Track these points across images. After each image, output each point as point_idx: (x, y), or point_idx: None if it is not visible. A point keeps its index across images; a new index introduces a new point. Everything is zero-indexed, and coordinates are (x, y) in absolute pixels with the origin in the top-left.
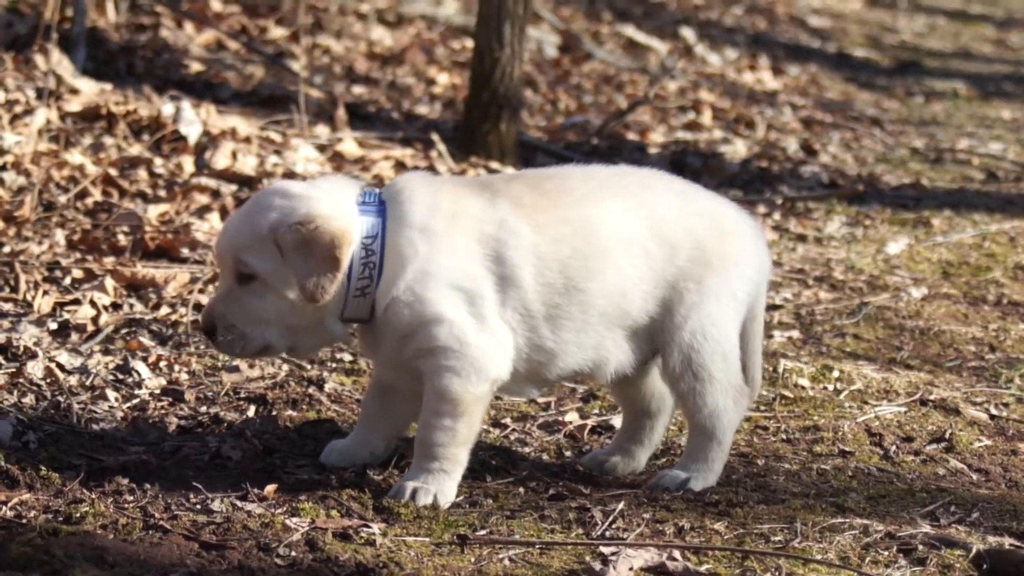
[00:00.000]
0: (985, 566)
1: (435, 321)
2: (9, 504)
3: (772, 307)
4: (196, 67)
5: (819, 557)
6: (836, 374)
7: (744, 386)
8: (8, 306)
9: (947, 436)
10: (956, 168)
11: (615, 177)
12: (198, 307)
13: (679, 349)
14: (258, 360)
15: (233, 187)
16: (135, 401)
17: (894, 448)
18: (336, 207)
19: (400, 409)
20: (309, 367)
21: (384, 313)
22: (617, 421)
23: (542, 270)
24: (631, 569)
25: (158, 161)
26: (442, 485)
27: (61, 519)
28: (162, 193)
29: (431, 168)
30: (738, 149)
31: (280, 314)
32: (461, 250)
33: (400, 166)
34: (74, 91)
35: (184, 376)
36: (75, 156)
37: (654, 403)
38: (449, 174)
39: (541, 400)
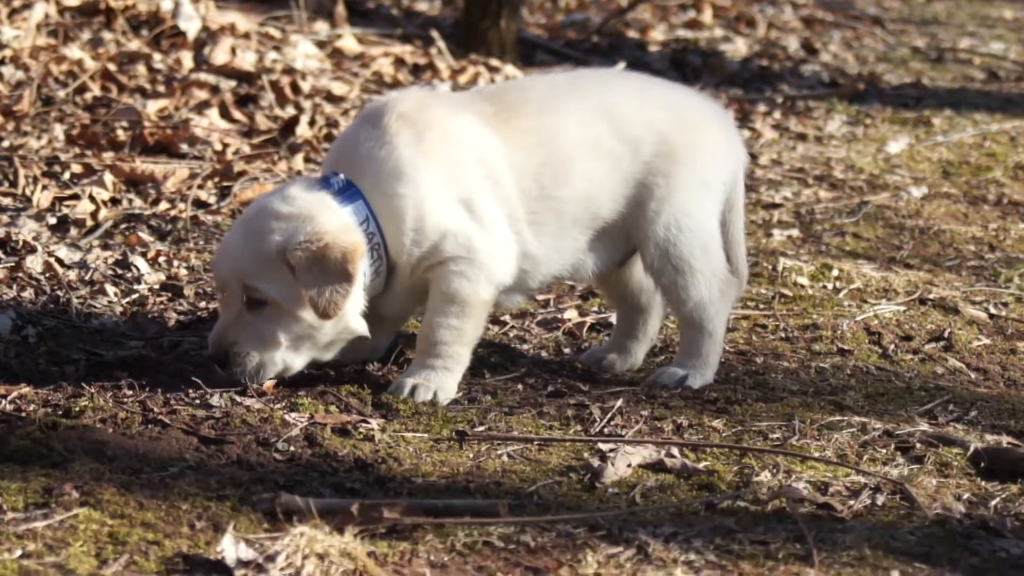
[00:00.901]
0: (983, 464)
1: (441, 237)
2: (8, 398)
3: (771, 206)
4: None
5: (817, 455)
6: (835, 273)
7: (730, 276)
8: (7, 200)
9: (946, 335)
10: (957, 67)
11: (572, 82)
12: (197, 203)
13: (655, 243)
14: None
15: (232, 83)
16: (134, 296)
17: (893, 347)
18: (338, 218)
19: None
20: None
21: (402, 264)
22: (615, 318)
23: (518, 178)
24: (629, 466)
25: (157, 56)
26: (443, 382)
27: (60, 413)
28: (161, 88)
29: (431, 66)
30: (738, 48)
31: (296, 335)
32: (441, 174)
33: (399, 63)
34: None
35: (183, 271)
36: (74, 51)
37: (643, 297)
38: (447, 68)
39: (540, 297)
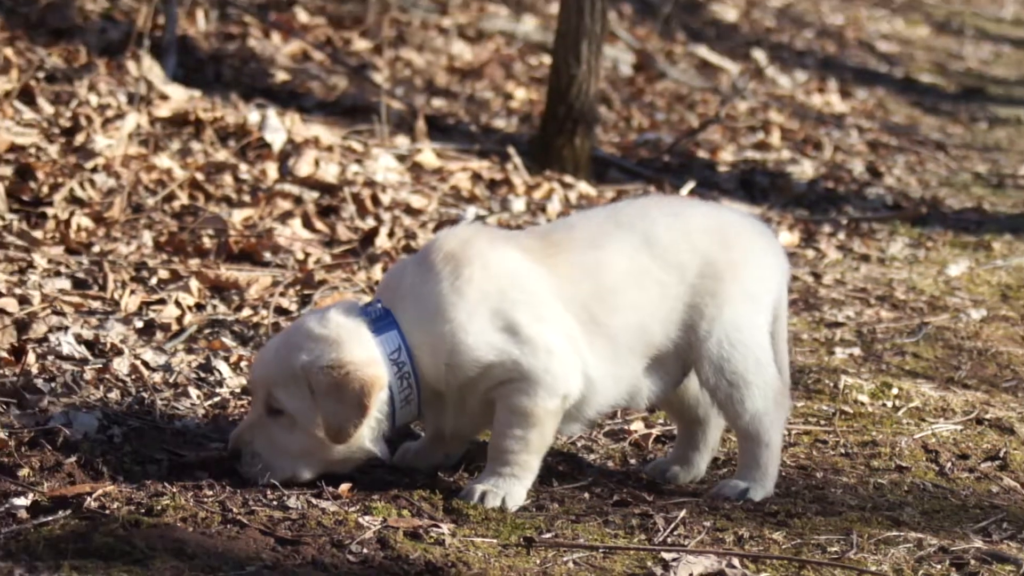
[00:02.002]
0: None
1: (487, 368)
2: (94, 495)
3: (834, 324)
4: (282, 76)
5: (874, 569)
6: (895, 391)
7: (783, 386)
8: (96, 304)
9: (1001, 455)
10: (1018, 193)
11: (612, 215)
12: (279, 310)
13: (709, 361)
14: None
15: (315, 194)
16: (216, 399)
17: (949, 465)
18: (365, 350)
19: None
20: None
21: (444, 388)
22: (677, 431)
23: (568, 307)
24: (693, 574)
25: (243, 167)
26: (511, 489)
27: (143, 511)
28: (246, 198)
29: (507, 181)
30: (805, 169)
31: (306, 449)
32: (478, 308)
33: (476, 178)
34: (164, 97)
35: None
36: (163, 160)
37: (700, 410)
38: (524, 186)
39: None
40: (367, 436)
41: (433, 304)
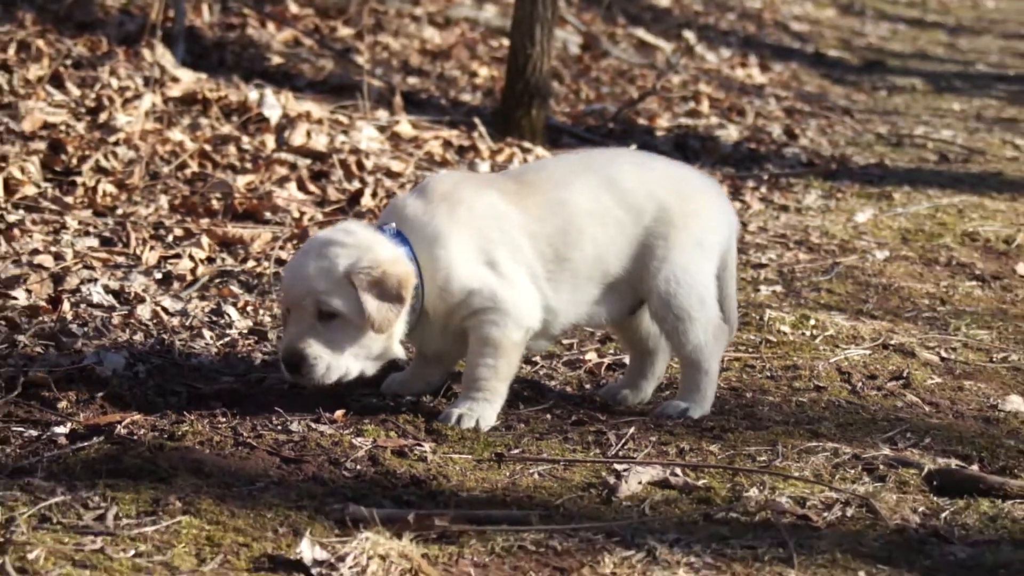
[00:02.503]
0: (935, 482)
1: (467, 294)
2: (123, 424)
3: (758, 266)
4: (277, 60)
5: (796, 474)
6: (812, 322)
7: (722, 324)
8: (121, 259)
9: (905, 375)
10: (913, 151)
11: (583, 160)
12: (278, 260)
13: (658, 295)
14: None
15: (308, 161)
16: (227, 339)
17: (860, 384)
18: (392, 252)
19: (448, 352)
20: None
21: (432, 311)
22: (628, 359)
23: (534, 244)
24: (640, 483)
25: (245, 139)
26: (483, 412)
27: (166, 436)
28: (248, 165)
29: (473, 147)
30: (731, 133)
31: (356, 344)
32: (468, 242)
33: (447, 144)
34: (175, 80)
35: (267, 318)
36: (176, 134)
37: (651, 342)
38: (487, 148)
39: (565, 341)
40: (398, 331)
41: (432, 233)
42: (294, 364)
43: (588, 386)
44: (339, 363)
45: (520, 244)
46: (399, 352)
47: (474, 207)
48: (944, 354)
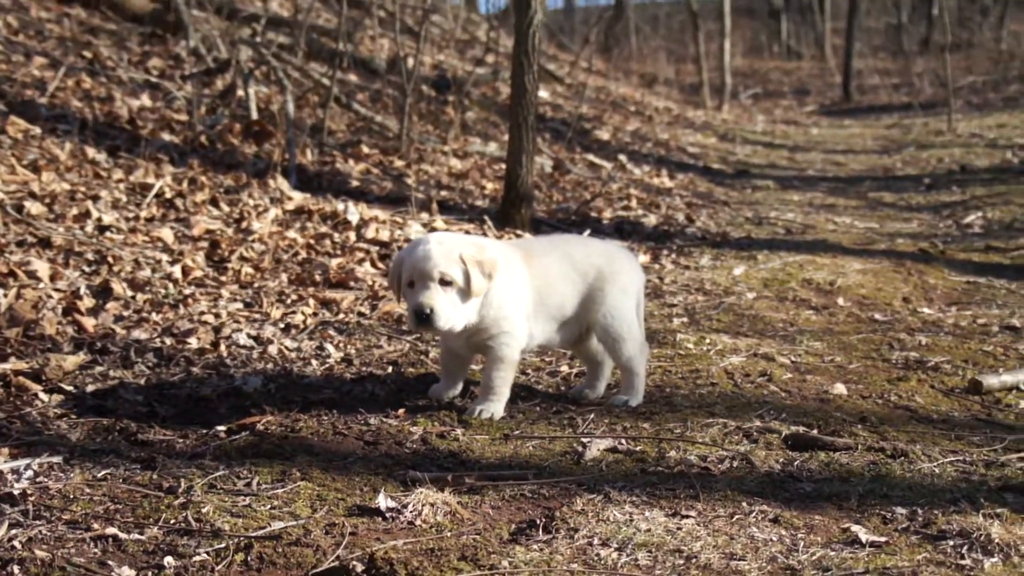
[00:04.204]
0: (789, 442)
1: (496, 320)
2: (260, 423)
3: (671, 305)
4: (355, 183)
5: (700, 440)
6: (708, 340)
7: (644, 342)
8: (257, 315)
9: (768, 373)
10: (769, 227)
11: (557, 242)
12: (358, 313)
13: (600, 326)
14: (435, 336)
15: (376, 247)
16: (327, 365)
17: (739, 380)
18: (494, 249)
19: (464, 367)
20: (422, 345)
21: (480, 320)
22: (586, 370)
23: (533, 291)
24: (599, 450)
25: (336, 235)
26: (495, 407)
27: (288, 430)
28: (339, 252)
29: (484, 235)
30: (651, 219)
31: (462, 305)
32: (510, 285)
33: (467, 233)
34: (290, 198)
35: (353, 351)
36: (291, 233)
37: (599, 356)
38: (494, 237)
39: (546, 358)
40: (478, 305)
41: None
42: (424, 316)
43: (563, 388)
44: (452, 316)
45: (525, 292)
46: (472, 320)
47: (513, 270)
48: (793, 358)
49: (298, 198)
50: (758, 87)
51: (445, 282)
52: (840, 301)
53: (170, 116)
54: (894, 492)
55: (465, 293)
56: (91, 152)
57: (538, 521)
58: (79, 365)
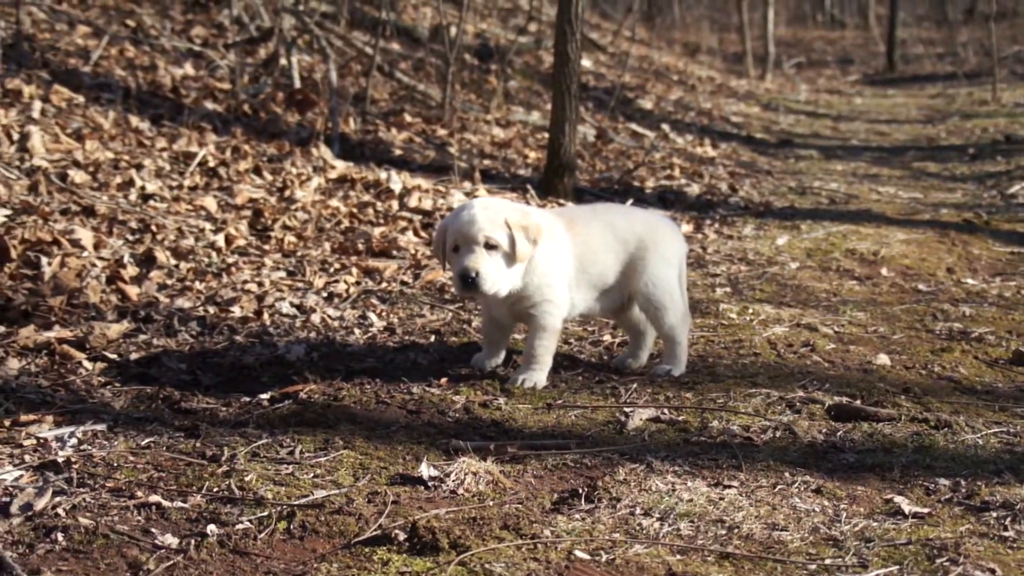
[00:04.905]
0: (832, 413)
1: (539, 288)
2: (303, 391)
3: (714, 275)
4: (398, 152)
5: (743, 410)
6: (751, 311)
7: (687, 310)
8: (300, 284)
9: (811, 343)
10: (813, 197)
11: (599, 210)
12: (402, 282)
13: (642, 295)
14: (478, 299)
15: (419, 216)
16: (369, 334)
17: (782, 350)
18: (539, 216)
19: (506, 335)
20: (464, 314)
21: (524, 287)
22: (628, 339)
23: (575, 259)
24: (641, 419)
25: (379, 204)
26: (538, 376)
27: (331, 398)
28: (381, 221)
29: (527, 204)
30: (694, 189)
31: (504, 268)
32: (553, 253)
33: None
34: (333, 167)
35: (396, 320)
36: (334, 202)
37: (641, 326)
38: (536, 205)
39: (589, 328)
40: (518, 271)
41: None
42: (470, 279)
43: (606, 358)
44: (493, 279)
45: (568, 259)
46: (517, 285)
47: (556, 236)
48: (836, 329)
49: (341, 167)
50: (801, 56)
51: (490, 246)
52: (884, 271)
53: (213, 85)
54: (937, 463)
55: (510, 258)
56: (135, 121)
57: (580, 491)
58: (123, 333)
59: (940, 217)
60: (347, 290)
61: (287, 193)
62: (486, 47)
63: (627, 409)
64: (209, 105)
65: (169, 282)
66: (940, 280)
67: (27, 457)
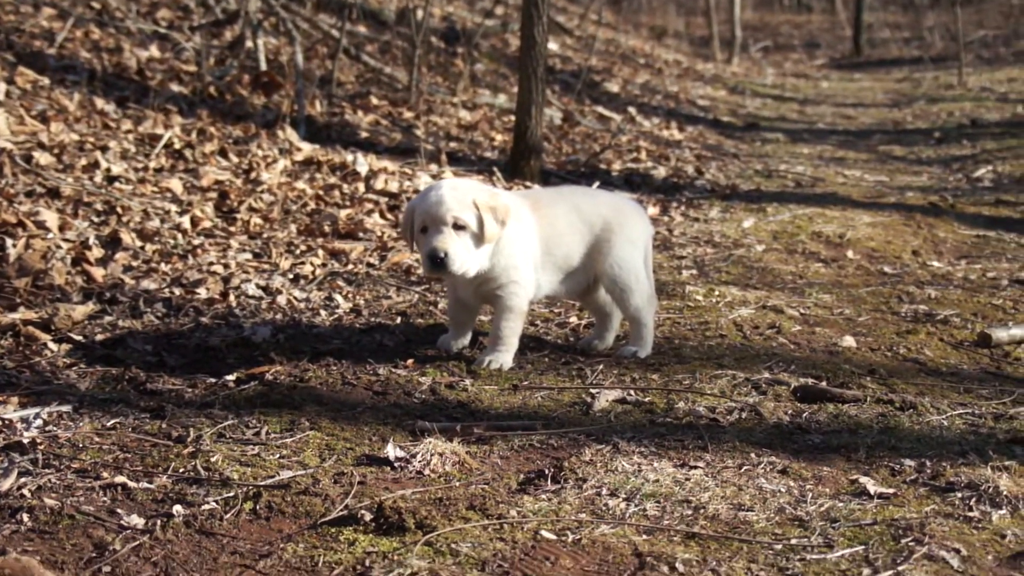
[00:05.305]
0: (798, 394)
1: (505, 269)
2: (269, 372)
3: (680, 257)
4: (364, 134)
5: (709, 391)
6: (716, 293)
7: (653, 292)
8: (266, 266)
9: (777, 325)
10: (779, 180)
11: (565, 193)
12: (368, 264)
13: (607, 276)
14: (446, 279)
15: (385, 199)
16: (335, 316)
17: (748, 332)
18: (507, 198)
19: (473, 317)
20: (431, 296)
21: (491, 268)
22: (595, 321)
23: (540, 241)
24: (607, 400)
25: (344, 186)
26: (504, 358)
27: (297, 380)
28: (347, 203)
29: (493, 186)
30: (661, 172)
31: (473, 249)
32: (519, 235)
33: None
34: (299, 149)
35: (362, 301)
36: (300, 184)
37: (607, 308)
38: (502, 188)
39: (555, 310)
40: (489, 251)
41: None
42: (439, 259)
43: (572, 339)
44: (461, 259)
45: (533, 241)
46: (485, 266)
47: (521, 217)
48: (802, 311)
49: (307, 149)
50: (768, 40)
51: (458, 227)
52: (849, 254)
53: (179, 67)
54: (902, 444)
55: (478, 238)
56: (100, 103)
57: (547, 471)
58: (88, 315)
59: (906, 200)
60: (313, 272)
61: (253, 175)
62: (453, 30)
63: (593, 390)
64: (175, 87)
65: (135, 264)
66: (906, 263)
67: None
